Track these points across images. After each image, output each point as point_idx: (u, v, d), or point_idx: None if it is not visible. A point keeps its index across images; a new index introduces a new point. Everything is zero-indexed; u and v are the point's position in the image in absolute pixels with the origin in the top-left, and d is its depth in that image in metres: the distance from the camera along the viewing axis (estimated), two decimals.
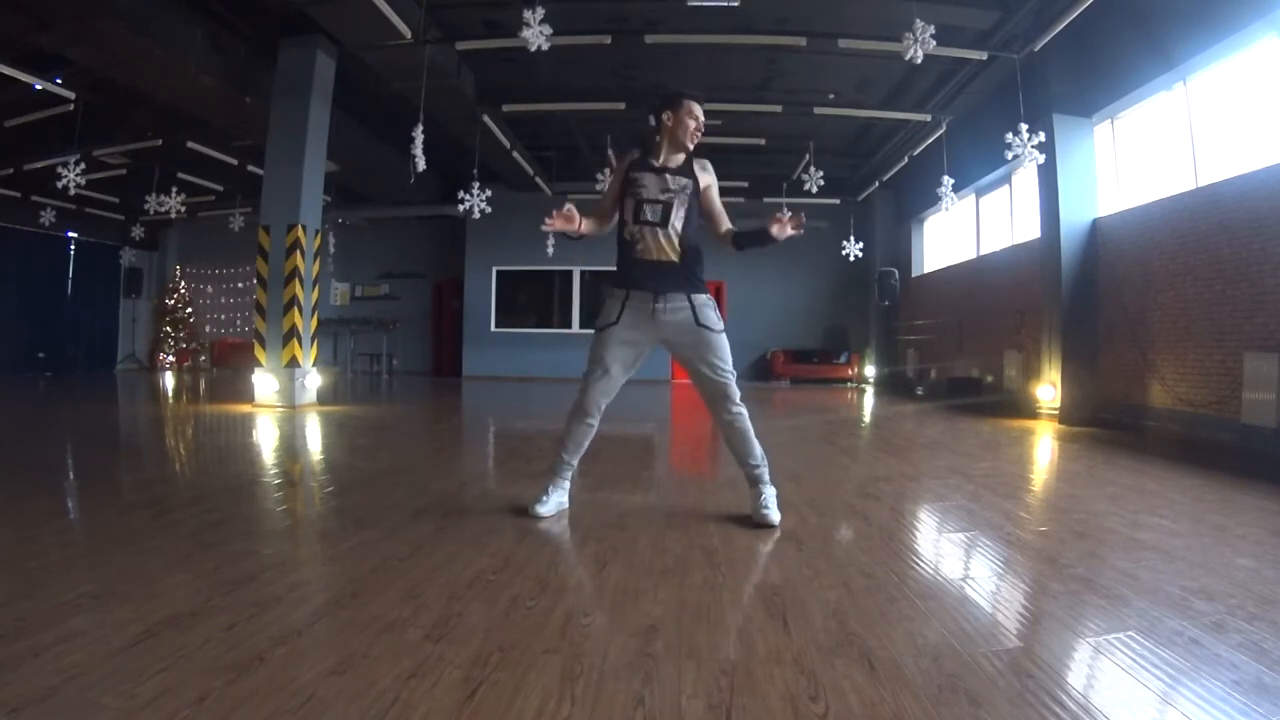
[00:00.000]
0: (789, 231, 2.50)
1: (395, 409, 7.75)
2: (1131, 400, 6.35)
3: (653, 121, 2.73)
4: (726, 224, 2.75)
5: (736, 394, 2.66)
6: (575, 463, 2.78)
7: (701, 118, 2.67)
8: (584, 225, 2.64)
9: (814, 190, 9.46)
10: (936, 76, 8.02)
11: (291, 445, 4.85)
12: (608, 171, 9.50)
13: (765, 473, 2.70)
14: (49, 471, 3.69)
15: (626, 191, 2.64)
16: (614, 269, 2.71)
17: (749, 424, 2.68)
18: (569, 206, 2.59)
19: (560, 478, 2.77)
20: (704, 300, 2.64)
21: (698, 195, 2.66)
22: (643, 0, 6.54)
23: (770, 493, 2.70)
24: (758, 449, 2.69)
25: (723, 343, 2.63)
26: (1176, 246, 5.83)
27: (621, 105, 8.36)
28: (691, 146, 2.66)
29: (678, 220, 2.61)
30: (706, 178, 2.69)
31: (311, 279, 7.29)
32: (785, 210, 2.62)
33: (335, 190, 11.44)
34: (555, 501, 2.75)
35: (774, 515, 2.62)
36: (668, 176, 2.63)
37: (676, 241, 2.61)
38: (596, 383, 2.66)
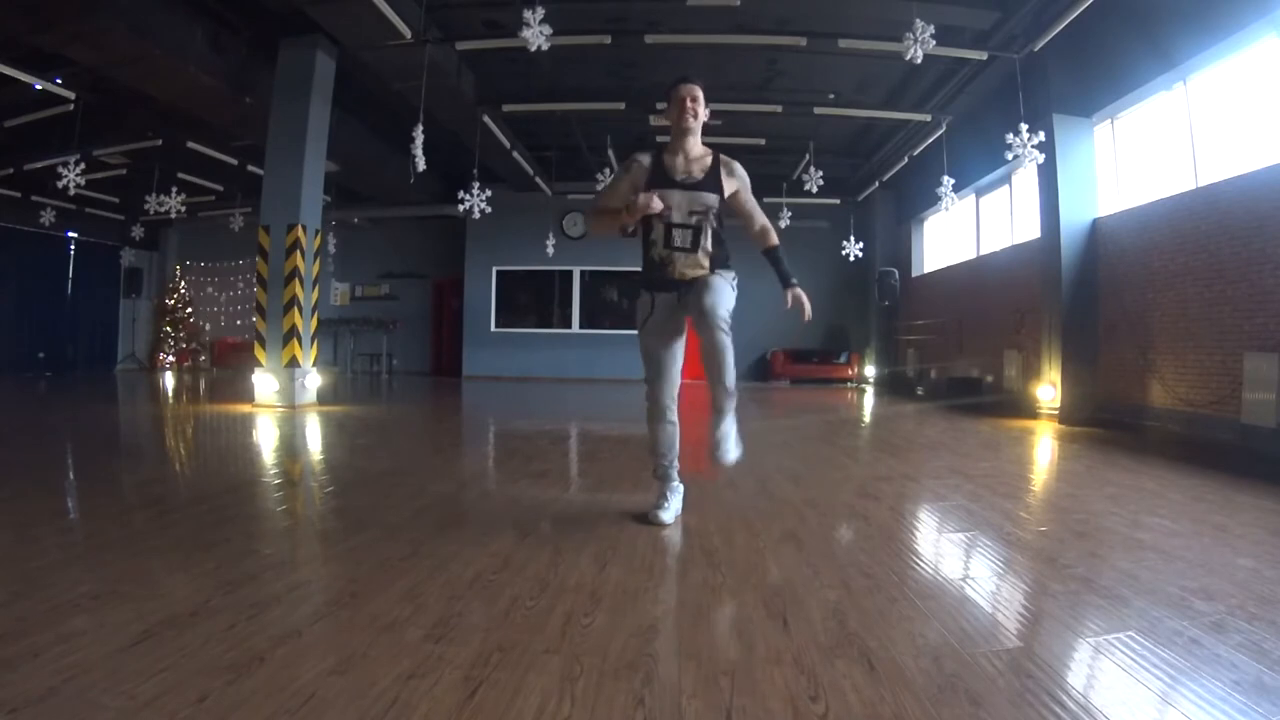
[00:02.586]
0: (802, 309, 2.58)
1: (395, 409, 7.75)
2: (1131, 400, 6.35)
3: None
4: (761, 223, 2.66)
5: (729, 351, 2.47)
6: (675, 463, 2.73)
7: (699, 94, 2.58)
8: (626, 217, 2.57)
9: (814, 190, 9.44)
10: (936, 76, 8.01)
11: (291, 445, 4.84)
12: (608, 172, 9.50)
13: (733, 404, 2.54)
14: (49, 471, 3.68)
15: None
16: (638, 270, 2.70)
17: (731, 355, 2.48)
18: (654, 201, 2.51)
19: (670, 482, 2.73)
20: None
21: (724, 205, 2.61)
22: (643, 0, 6.54)
23: (732, 427, 2.57)
24: (732, 377, 2.49)
25: (727, 291, 2.50)
26: (1176, 246, 5.82)
27: (621, 105, 8.35)
28: (688, 125, 2.57)
29: (708, 241, 2.56)
30: (733, 183, 2.61)
31: (311, 279, 7.29)
32: (807, 308, 2.59)
33: (335, 190, 11.43)
34: (674, 506, 2.72)
35: (731, 453, 2.55)
36: (693, 194, 2.55)
37: (707, 260, 2.57)
38: (656, 381, 2.65)
